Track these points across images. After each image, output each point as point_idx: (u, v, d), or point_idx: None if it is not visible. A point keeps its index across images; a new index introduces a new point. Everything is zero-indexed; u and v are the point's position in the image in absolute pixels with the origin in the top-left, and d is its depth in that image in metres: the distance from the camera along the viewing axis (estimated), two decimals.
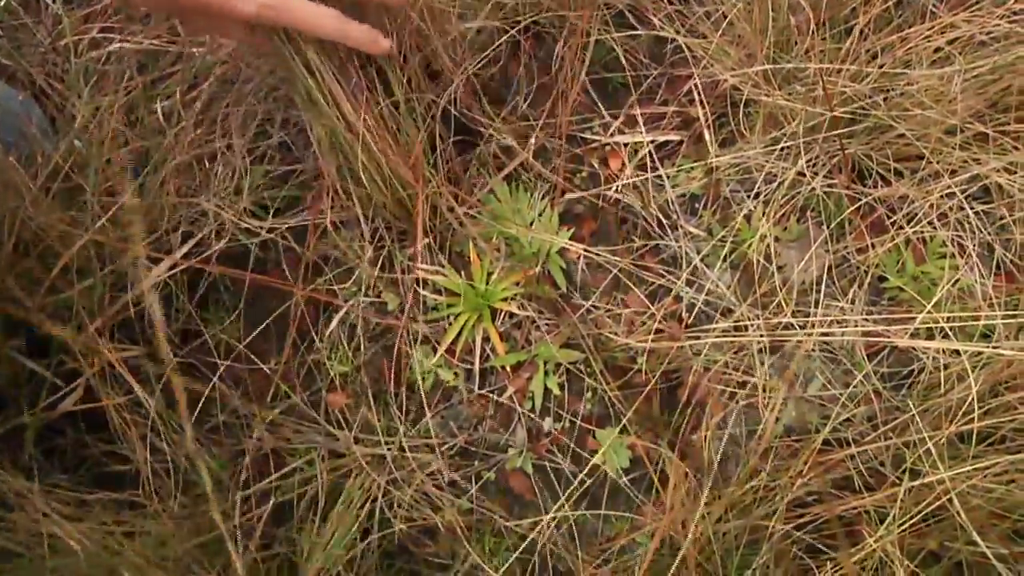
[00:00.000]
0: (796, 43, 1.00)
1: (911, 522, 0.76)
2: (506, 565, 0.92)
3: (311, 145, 1.04)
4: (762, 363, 0.93)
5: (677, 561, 0.77)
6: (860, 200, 0.98)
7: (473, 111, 1.04)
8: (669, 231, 1.03)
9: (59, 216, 0.95)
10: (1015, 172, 0.95)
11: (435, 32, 0.97)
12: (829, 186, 0.99)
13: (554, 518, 0.93)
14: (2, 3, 1.15)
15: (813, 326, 0.92)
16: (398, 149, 0.95)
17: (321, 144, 0.95)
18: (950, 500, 0.71)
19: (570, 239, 1.04)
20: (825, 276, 0.97)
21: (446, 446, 0.97)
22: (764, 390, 0.91)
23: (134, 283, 0.98)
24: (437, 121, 1.00)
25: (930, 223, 0.96)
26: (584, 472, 0.96)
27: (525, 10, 1.06)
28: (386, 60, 0.89)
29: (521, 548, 0.93)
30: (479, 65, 1.05)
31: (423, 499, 0.94)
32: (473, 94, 1.04)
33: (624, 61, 1.10)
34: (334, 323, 1.02)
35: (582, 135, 1.09)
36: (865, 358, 0.94)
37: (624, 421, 0.97)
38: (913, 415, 0.79)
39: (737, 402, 0.95)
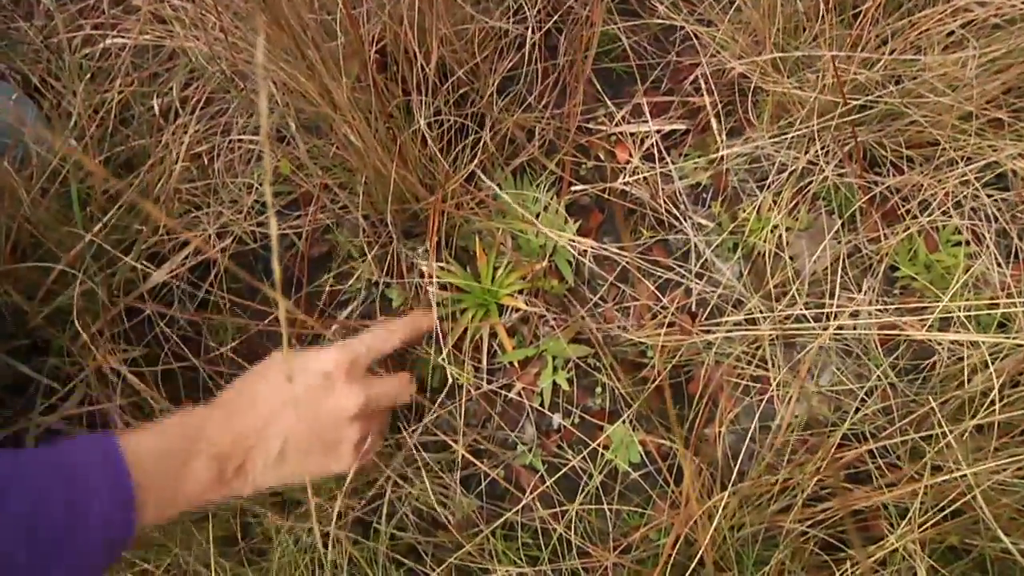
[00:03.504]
0: (805, 29, 0.98)
1: (932, 518, 0.74)
2: (516, 562, 0.90)
3: (312, 139, 1.02)
4: (775, 356, 0.92)
5: (695, 562, 0.75)
6: (872, 189, 0.97)
7: (480, 106, 1.03)
8: (678, 222, 1.02)
9: (57, 218, 0.93)
10: None
11: (452, 31, 0.95)
12: (840, 175, 0.97)
13: (567, 514, 0.92)
14: None
15: (827, 318, 0.91)
16: (414, 165, 0.94)
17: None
18: (973, 497, 0.70)
19: (577, 232, 1.02)
20: (838, 266, 0.95)
21: (458, 447, 0.96)
22: (778, 384, 0.90)
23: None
24: (451, 120, 0.99)
25: (944, 211, 0.95)
26: (595, 468, 0.94)
27: (533, 2, 1.04)
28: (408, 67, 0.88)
29: (533, 545, 0.92)
30: (492, 62, 1.04)
31: (431, 497, 0.93)
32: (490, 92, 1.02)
33: (629, 50, 1.08)
34: (340, 317, 1.01)
35: (587, 125, 1.07)
36: (880, 350, 0.93)
37: (635, 416, 0.95)
38: (932, 408, 0.78)
39: (751, 396, 0.94)
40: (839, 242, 0.96)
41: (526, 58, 1.04)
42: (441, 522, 0.93)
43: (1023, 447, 0.75)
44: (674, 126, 1.06)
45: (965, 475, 0.71)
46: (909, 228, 0.95)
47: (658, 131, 1.05)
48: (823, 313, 0.92)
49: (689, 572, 0.77)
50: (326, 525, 0.89)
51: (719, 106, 1.04)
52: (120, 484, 0.66)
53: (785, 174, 0.99)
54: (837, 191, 0.99)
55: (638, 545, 0.90)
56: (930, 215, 0.95)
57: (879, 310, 0.94)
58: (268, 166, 0.27)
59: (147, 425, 0.73)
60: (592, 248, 0.99)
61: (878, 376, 0.91)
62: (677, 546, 0.79)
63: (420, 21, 0.93)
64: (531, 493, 0.94)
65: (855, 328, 0.93)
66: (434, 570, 0.91)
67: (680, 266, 1.00)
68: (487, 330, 1.00)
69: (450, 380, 0.98)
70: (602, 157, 1.06)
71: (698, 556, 0.77)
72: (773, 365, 0.92)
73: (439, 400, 0.98)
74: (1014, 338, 0.80)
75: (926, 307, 0.92)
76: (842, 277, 0.95)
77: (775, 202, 0.98)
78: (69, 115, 1.03)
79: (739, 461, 0.89)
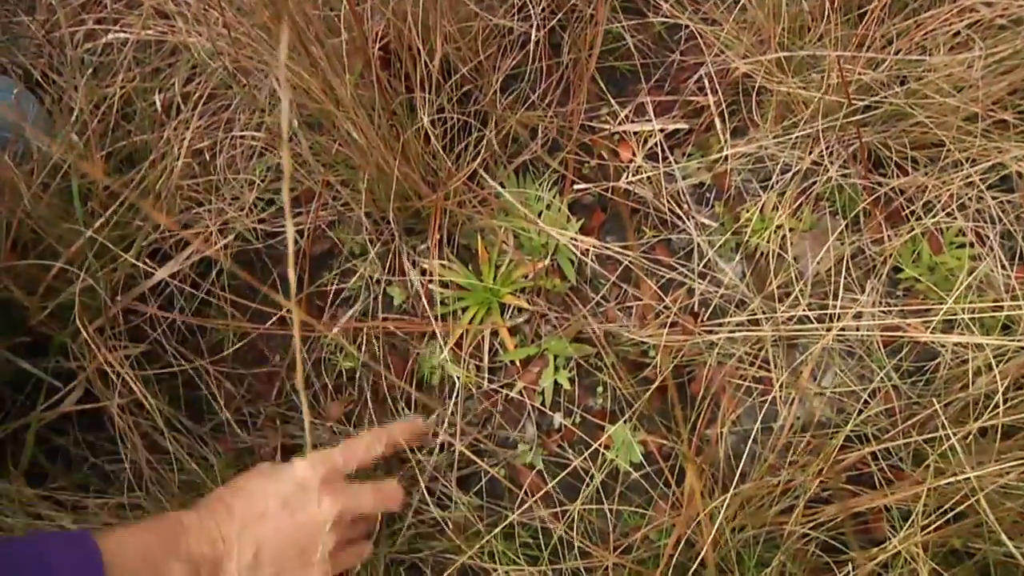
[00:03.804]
0: (810, 29, 0.98)
1: (935, 521, 0.74)
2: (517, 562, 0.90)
3: (315, 136, 1.02)
4: (778, 357, 0.92)
5: (696, 563, 0.75)
6: (877, 190, 0.96)
7: (484, 103, 1.02)
8: (681, 222, 1.01)
9: (58, 214, 0.93)
10: None
11: (456, 28, 0.95)
12: (844, 176, 0.97)
13: (567, 514, 0.91)
14: None
15: (830, 320, 0.90)
16: (417, 162, 0.94)
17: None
18: (977, 500, 0.70)
19: (580, 231, 1.02)
20: (841, 267, 0.95)
21: (458, 444, 0.96)
22: (780, 385, 0.90)
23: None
24: (454, 118, 0.99)
25: (948, 213, 0.94)
26: (596, 468, 0.94)
27: (537, 0, 1.03)
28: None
29: (533, 544, 0.92)
30: (495, 60, 1.03)
31: (431, 497, 0.93)
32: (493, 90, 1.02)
33: (633, 49, 1.08)
34: (343, 319, 1.01)
35: (590, 124, 1.07)
36: (883, 352, 0.93)
37: (636, 416, 0.95)
38: (936, 410, 0.77)
39: (753, 397, 0.94)
40: (842, 243, 0.96)
41: (530, 56, 1.04)
42: (440, 524, 0.93)
43: None
44: (677, 125, 1.06)
45: (968, 478, 0.70)
46: (913, 229, 0.94)
47: (661, 130, 1.05)
48: (826, 314, 0.91)
49: (690, 573, 0.77)
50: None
51: (723, 106, 1.03)
52: None
53: (789, 174, 0.99)
54: (841, 192, 0.99)
55: (639, 545, 0.90)
56: (934, 217, 0.94)
57: (882, 311, 0.94)
58: (287, 171, 0.26)
59: (125, 525, 0.76)
60: (594, 247, 0.99)
61: (881, 378, 0.90)
62: (679, 547, 0.78)
63: (424, 18, 0.92)
64: (532, 493, 0.94)
65: (858, 329, 0.93)
66: (433, 570, 0.91)
67: (683, 266, 0.99)
68: (488, 328, 0.99)
69: (450, 379, 0.98)
70: (605, 156, 1.06)
71: (699, 557, 0.77)
72: (776, 366, 0.91)
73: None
74: (1018, 340, 0.80)
75: (929, 309, 0.92)
76: (845, 278, 0.95)
77: (778, 202, 0.98)
78: (71, 110, 1.03)
79: (741, 462, 0.89)
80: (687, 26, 1.06)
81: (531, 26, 1.02)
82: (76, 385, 0.92)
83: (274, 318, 1.00)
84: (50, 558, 0.67)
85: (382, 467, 0.94)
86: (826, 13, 0.93)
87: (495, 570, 0.88)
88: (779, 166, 1.00)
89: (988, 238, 0.93)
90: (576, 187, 1.04)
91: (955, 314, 0.87)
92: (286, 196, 0.30)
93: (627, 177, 1.03)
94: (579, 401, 0.98)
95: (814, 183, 0.98)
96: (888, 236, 0.95)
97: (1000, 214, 0.94)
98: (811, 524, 0.82)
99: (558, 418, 0.98)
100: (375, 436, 0.87)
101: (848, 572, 0.78)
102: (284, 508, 0.78)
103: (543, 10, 1.04)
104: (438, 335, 0.98)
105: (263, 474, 0.81)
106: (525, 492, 0.94)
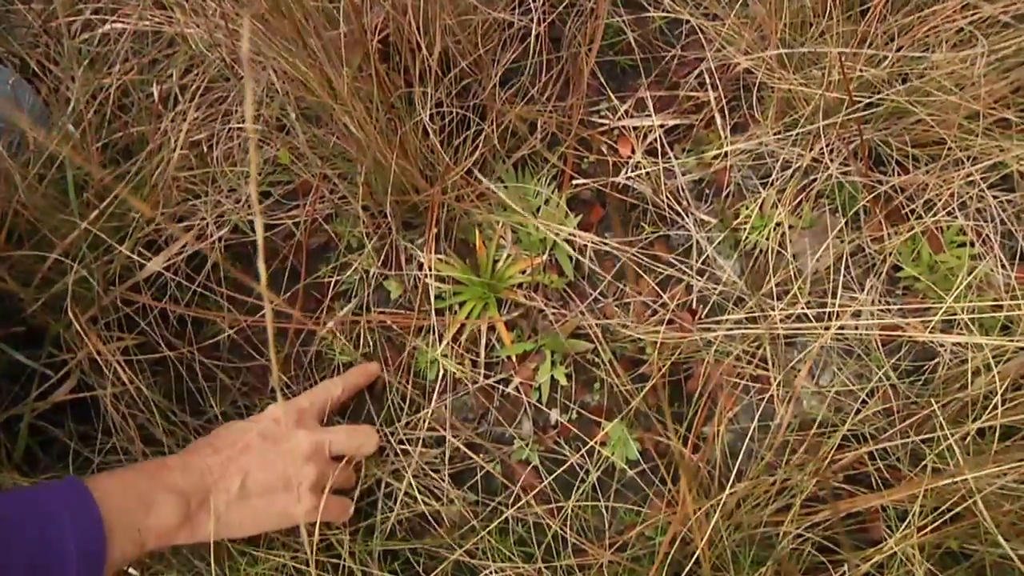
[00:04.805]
0: (811, 25, 0.97)
1: (932, 522, 0.74)
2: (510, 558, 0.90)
3: (312, 129, 1.01)
4: (776, 355, 0.91)
5: (692, 562, 0.75)
6: (877, 188, 0.96)
7: (483, 97, 1.02)
8: (680, 219, 1.01)
9: (53, 204, 0.92)
10: None
11: (455, 22, 0.94)
12: (845, 173, 0.96)
13: (563, 510, 0.91)
14: None
15: (829, 318, 0.90)
16: (415, 156, 0.94)
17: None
18: (974, 501, 0.69)
19: (578, 226, 1.01)
20: (840, 265, 0.94)
21: (450, 438, 0.95)
22: (778, 384, 0.89)
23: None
24: (452, 112, 0.98)
25: (949, 212, 0.94)
26: (592, 465, 0.94)
27: None
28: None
29: (527, 540, 0.91)
30: (495, 53, 1.03)
31: (426, 491, 0.92)
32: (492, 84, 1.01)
33: (633, 43, 1.07)
34: (339, 313, 1.00)
35: (590, 119, 1.06)
36: (881, 351, 0.92)
37: (633, 413, 0.95)
38: (934, 410, 0.77)
39: (750, 395, 0.93)
40: (842, 241, 0.96)
41: (530, 50, 1.03)
42: (433, 520, 0.93)
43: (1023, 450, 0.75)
44: (677, 121, 1.05)
45: (966, 479, 0.70)
46: (913, 228, 0.94)
47: (661, 126, 1.04)
48: (825, 313, 0.91)
49: (686, 572, 0.76)
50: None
51: (723, 102, 1.03)
52: (89, 523, 0.70)
53: (789, 171, 0.98)
54: (841, 189, 0.98)
55: (634, 543, 0.90)
56: (934, 215, 0.94)
57: (881, 310, 0.93)
58: (254, 166, 0.26)
59: (110, 470, 0.79)
60: (592, 243, 0.99)
61: (879, 377, 0.90)
62: (674, 545, 0.78)
63: (424, 11, 0.92)
64: (527, 490, 0.93)
65: (857, 328, 0.92)
66: (427, 564, 0.91)
67: (681, 262, 0.99)
68: (485, 323, 0.99)
69: (447, 374, 0.97)
70: (604, 151, 1.05)
71: (694, 556, 0.76)
72: (773, 364, 0.91)
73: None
74: (1017, 341, 0.79)
75: (929, 308, 0.91)
76: (844, 276, 0.94)
77: (778, 199, 0.97)
78: (67, 101, 1.02)
79: (738, 460, 0.89)
80: (688, 21, 1.05)
81: (531, 20, 1.02)
82: (69, 375, 0.92)
83: (261, 312, 1.00)
84: (43, 500, 0.69)
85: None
86: (828, 9, 0.93)
87: (489, 566, 0.87)
88: (779, 163, 0.99)
89: (988, 237, 0.93)
90: (575, 182, 1.03)
91: (954, 314, 0.86)
92: (254, 192, 0.30)
93: (626, 173, 1.02)
94: (576, 397, 0.98)
95: (814, 180, 0.97)
96: (888, 234, 0.95)
97: (1001, 213, 0.94)
98: (807, 524, 0.81)
99: (554, 414, 0.97)
100: (332, 381, 0.94)
101: (844, 572, 0.77)
102: (265, 439, 0.84)
103: (543, 4, 1.04)
104: (435, 330, 0.98)
105: (238, 421, 0.88)
106: (520, 488, 0.94)
